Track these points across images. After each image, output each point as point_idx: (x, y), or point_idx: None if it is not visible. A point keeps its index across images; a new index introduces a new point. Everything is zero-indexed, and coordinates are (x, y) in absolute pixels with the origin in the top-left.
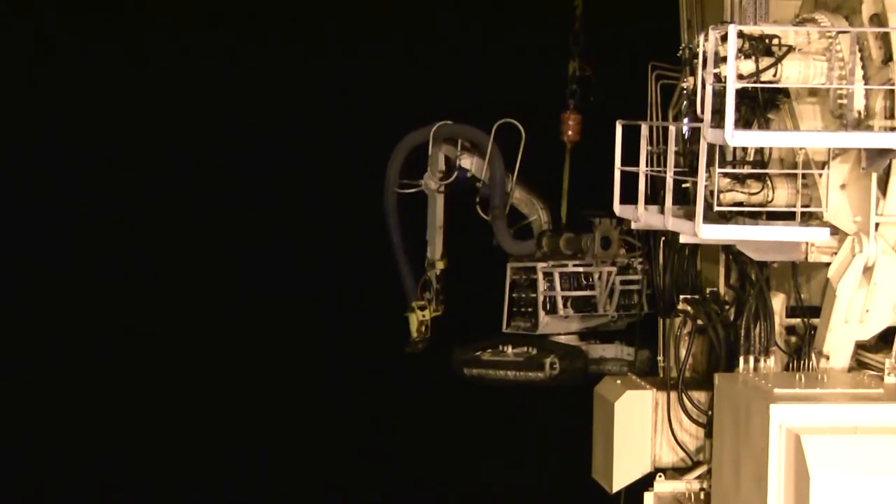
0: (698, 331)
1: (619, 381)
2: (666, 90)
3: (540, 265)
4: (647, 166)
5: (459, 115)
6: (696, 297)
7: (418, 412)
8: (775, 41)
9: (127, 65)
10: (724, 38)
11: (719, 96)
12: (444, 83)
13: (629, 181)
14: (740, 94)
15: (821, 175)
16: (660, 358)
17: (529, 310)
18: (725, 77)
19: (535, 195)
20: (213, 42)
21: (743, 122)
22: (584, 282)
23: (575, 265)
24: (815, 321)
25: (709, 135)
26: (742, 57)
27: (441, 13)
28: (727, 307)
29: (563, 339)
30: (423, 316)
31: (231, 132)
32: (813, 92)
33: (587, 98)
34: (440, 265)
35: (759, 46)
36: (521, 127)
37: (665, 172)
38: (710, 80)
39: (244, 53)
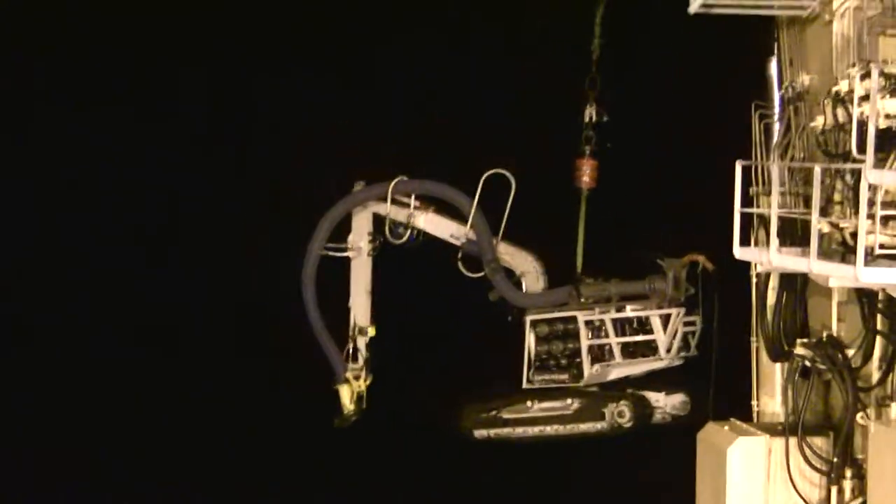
0: (806, 374)
1: (726, 428)
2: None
3: (581, 314)
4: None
5: (423, 168)
6: (814, 340)
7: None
8: None
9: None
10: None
11: (849, 135)
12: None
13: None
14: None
15: None
16: (754, 402)
17: (563, 362)
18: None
19: (520, 247)
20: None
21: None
22: (637, 326)
23: (633, 309)
24: None
25: (871, 176)
26: (887, 95)
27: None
28: (848, 350)
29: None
30: (359, 386)
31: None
32: None
33: (603, 144)
34: (371, 331)
35: None
36: (510, 177)
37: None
38: (874, 119)
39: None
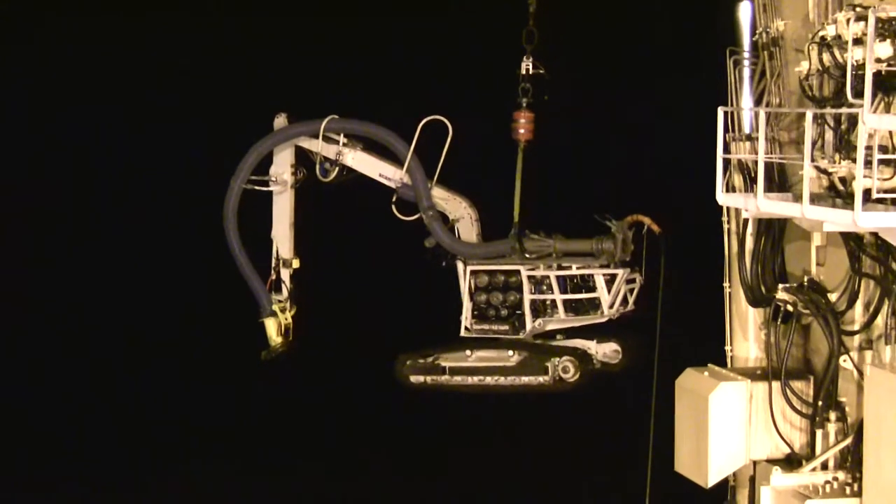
0: (786, 319)
1: (705, 373)
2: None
3: (525, 268)
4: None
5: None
6: (796, 285)
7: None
8: None
9: None
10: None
11: (839, 80)
12: (363, 76)
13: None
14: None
15: None
16: (728, 347)
17: (504, 313)
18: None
19: (456, 193)
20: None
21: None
22: (580, 282)
23: (579, 267)
24: None
25: (870, 120)
26: (878, 40)
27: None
28: (830, 295)
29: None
30: (286, 318)
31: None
32: None
33: (541, 97)
34: (295, 263)
35: (890, 29)
36: (448, 123)
37: (784, 160)
38: (871, 64)
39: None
